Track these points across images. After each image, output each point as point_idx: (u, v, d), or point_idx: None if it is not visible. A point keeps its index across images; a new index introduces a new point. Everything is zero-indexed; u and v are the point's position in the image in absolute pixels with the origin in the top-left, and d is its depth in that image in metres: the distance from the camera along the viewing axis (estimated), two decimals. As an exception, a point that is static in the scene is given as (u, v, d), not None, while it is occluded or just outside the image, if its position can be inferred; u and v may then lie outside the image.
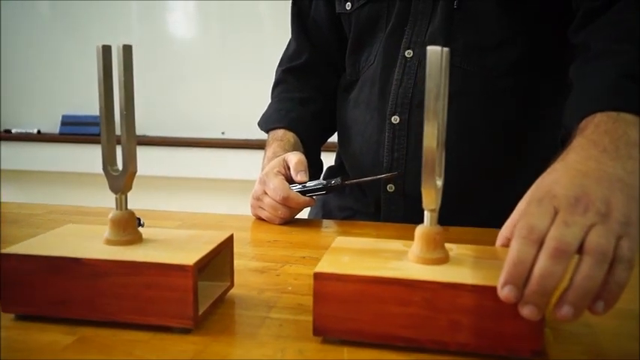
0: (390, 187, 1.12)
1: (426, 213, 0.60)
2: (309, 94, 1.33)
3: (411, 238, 0.62)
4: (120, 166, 0.65)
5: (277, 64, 1.40)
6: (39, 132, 2.81)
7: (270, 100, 1.37)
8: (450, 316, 0.54)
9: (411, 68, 1.10)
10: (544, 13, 1.05)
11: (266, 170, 1.10)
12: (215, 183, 2.67)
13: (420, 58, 1.10)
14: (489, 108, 1.08)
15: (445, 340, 0.55)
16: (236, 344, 0.58)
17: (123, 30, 2.72)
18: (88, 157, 2.71)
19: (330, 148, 1.37)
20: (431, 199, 0.58)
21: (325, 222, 1.18)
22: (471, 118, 1.07)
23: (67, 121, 2.76)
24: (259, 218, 1.12)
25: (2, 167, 2.87)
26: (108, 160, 0.65)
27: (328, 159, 1.36)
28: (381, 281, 0.55)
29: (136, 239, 0.65)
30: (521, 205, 0.62)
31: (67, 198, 2.84)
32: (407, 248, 0.62)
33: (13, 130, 2.83)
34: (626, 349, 0.58)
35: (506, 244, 0.62)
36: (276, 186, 1.05)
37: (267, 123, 1.30)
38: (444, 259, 0.59)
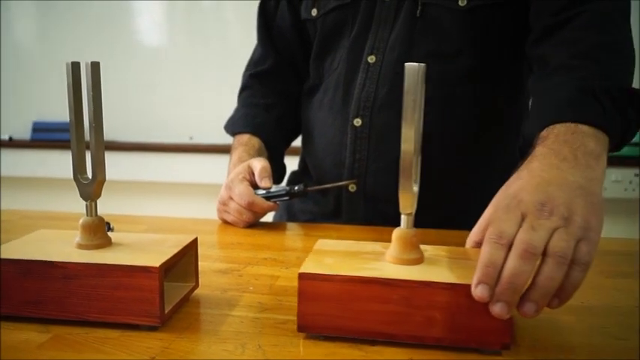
0: (352, 188, 1.17)
1: (402, 216, 0.64)
2: (273, 100, 1.37)
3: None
4: (90, 174, 0.69)
5: (244, 69, 1.43)
6: (10, 139, 2.81)
7: (236, 104, 1.41)
8: (425, 313, 0.59)
9: (374, 73, 1.14)
10: (501, 25, 1.09)
11: (231, 176, 1.14)
12: (183, 187, 2.69)
13: (382, 63, 1.13)
14: (449, 115, 1.12)
15: (422, 334, 0.59)
16: (199, 340, 0.62)
17: (92, 35, 2.73)
18: (59, 163, 2.73)
19: (293, 152, 1.40)
20: (407, 203, 0.63)
21: (289, 225, 1.22)
22: (431, 124, 1.11)
23: (39, 128, 2.77)
24: (225, 222, 1.16)
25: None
26: (78, 169, 0.69)
27: (291, 163, 1.40)
28: (362, 281, 0.60)
29: (106, 243, 0.69)
30: (488, 210, 0.66)
31: (38, 203, 2.86)
32: (385, 250, 0.66)
33: (-15, 137, 2.84)
34: (597, 344, 0.63)
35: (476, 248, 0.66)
36: (242, 191, 1.09)
37: (234, 127, 1.34)
38: (419, 260, 0.64)
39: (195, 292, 0.74)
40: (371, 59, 1.15)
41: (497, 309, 0.56)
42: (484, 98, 1.12)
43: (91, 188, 0.68)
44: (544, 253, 0.59)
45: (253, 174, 1.13)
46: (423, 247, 0.67)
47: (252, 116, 1.34)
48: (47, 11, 2.74)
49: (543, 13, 1.01)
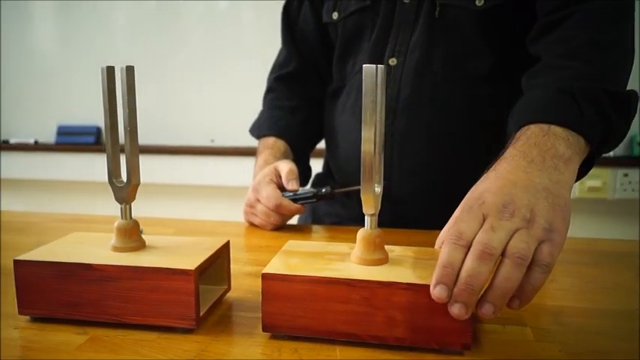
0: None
1: (366, 217, 0.65)
2: (298, 103, 1.38)
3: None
4: (124, 177, 0.69)
5: (268, 72, 1.44)
6: (36, 142, 2.84)
7: (261, 107, 1.42)
8: (386, 313, 0.59)
9: (395, 76, 1.14)
10: (517, 25, 1.09)
11: (258, 178, 1.15)
12: (205, 190, 2.70)
13: (404, 65, 1.14)
14: (468, 114, 1.12)
15: (383, 335, 0.60)
16: (235, 343, 0.62)
17: (114, 39, 2.75)
18: (83, 166, 2.75)
19: (317, 155, 1.41)
20: (370, 204, 0.64)
21: (315, 227, 1.22)
22: (451, 124, 1.12)
23: (63, 131, 2.79)
24: (252, 224, 1.16)
25: (1, 176, 2.90)
26: (113, 173, 0.69)
27: (315, 165, 1.40)
28: (323, 281, 0.60)
29: (140, 246, 0.70)
30: (456, 212, 0.66)
31: (63, 205, 2.88)
32: (351, 250, 0.67)
33: (11, 141, 2.86)
34: (600, 346, 0.63)
35: None
36: (269, 194, 1.10)
37: (259, 130, 1.35)
38: (383, 260, 0.64)
39: (228, 294, 0.75)
40: (392, 62, 1.15)
41: (455, 310, 0.56)
42: (505, 98, 1.12)
43: (125, 192, 0.69)
44: (503, 254, 0.59)
45: (280, 176, 1.14)
46: (389, 247, 0.67)
47: (277, 119, 1.35)
48: (70, 15, 2.76)
49: (541, 11, 1.01)
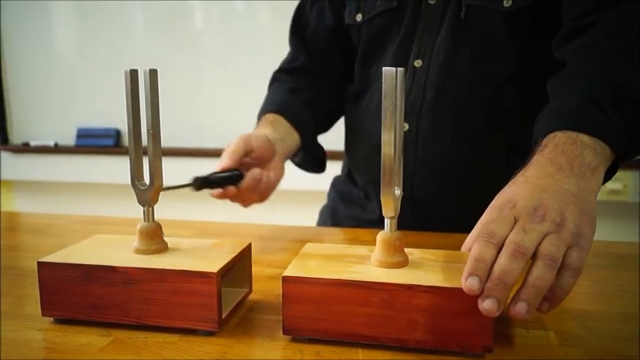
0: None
1: (386, 220, 0.65)
2: (300, 86, 1.33)
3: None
4: (147, 180, 0.70)
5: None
6: (56, 145, 2.86)
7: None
8: (407, 316, 0.59)
9: (421, 77, 1.13)
10: (543, 26, 1.07)
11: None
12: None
13: (429, 67, 1.13)
14: (492, 116, 1.11)
15: (404, 337, 0.60)
16: (257, 346, 0.63)
17: (133, 42, 2.76)
18: (103, 168, 2.77)
19: (336, 157, 1.40)
20: (390, 207, 0.63)
21: (332, 230, 1.22)
22: (474, 125, 1.11)
23: (82, 134, 2.81)
24: None
25: (21, 178, 2.93)
26: (136, 176, 0.69)
27: (335, 168, 1.40)
28: (343, 284, 0.60)
29: (163, 248, 0.70)
30: (485, 214, 0.67)
31: (83, 207, 2.90)
32: (370, 253, 0.67)
33: (31, 143, 2.89)
34: (625, 351, 0.62)
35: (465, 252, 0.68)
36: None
37: (261, 112, 1.29)
38: (403, 263, 0.64)
39: (249, 297, 0.75)
40: (417, 63, 1.14)
41: (486, 305, 0.56)
42: (528, 99, 1.11)
43: (148, 194, 0.69)
44: (534, 256, 0.60)
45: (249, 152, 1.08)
46: (409, 250, 0.67)
47: (275, 99, 1.30)
48: (90, 19, 2.78)
49: (567, 17, 1.00)
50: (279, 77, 1.38)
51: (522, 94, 1.11)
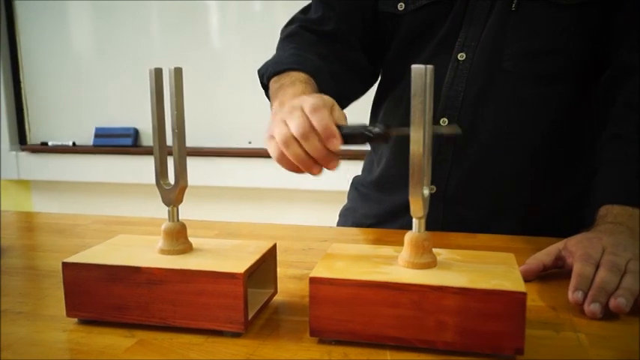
0: (432, 189, 1.07)
1: (414, 220, 0.64)
2: (329, 55, 1.17)
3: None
4: (171, 180, 0.69)
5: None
6: (74, 144, 2.87)
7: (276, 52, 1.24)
8: (436, 317, 0.58)
9: (463, 71, 1.10)
10: (597, 25, 1.05)
11: (301, 102, 0.84)
12: (242, 192, 2.69)
13: (473, 61, 1.09)
14: (534, 114, 1.08)
15: (433, 339, 0.59)
16: (284, 348, 0.62)
17: (151, 42, 2.76)
18: (121, 168, 2.77)
19: (358, 157, 1.38)
20: (418, 207, 0.62)
21: (355, 230, 1.21)
22: (515, 123, 1.08)
23: (100, 134, 2.82)
24: (290, 167, 0.90)
25: (39, 178, 2.93)
26: (160, 175, 0.69)
27: (356, 168, 1.39)
28: (372, 285, 0.59)
29: (188, 248, 0.69)
30: (563, 242, 0.84)
31: (101, 207, 2.90)
32: (397, 254, 0.66)
33: (50, 143, 2.90)
34: None
35: (538, 269, 0.82)
36: (324, 116, 0.80)
37: (278, 65, 1.13)
38: (431, 264, 0.63)
39: (274, 298, 0.74)
40: (461, 57, 1.10)
41: (593, 307, 0.69)
42: (573, 99, 1.09)
43: (173, 194, 0.69)
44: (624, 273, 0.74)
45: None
46: (436, 250, 0.66)
47: (305, 58, 1.13)
48: (107, 19, 2.78)
49: (624, 42, 1.02)
50: (303, 35, 1.22)
51: (567, 94, 1.08)
